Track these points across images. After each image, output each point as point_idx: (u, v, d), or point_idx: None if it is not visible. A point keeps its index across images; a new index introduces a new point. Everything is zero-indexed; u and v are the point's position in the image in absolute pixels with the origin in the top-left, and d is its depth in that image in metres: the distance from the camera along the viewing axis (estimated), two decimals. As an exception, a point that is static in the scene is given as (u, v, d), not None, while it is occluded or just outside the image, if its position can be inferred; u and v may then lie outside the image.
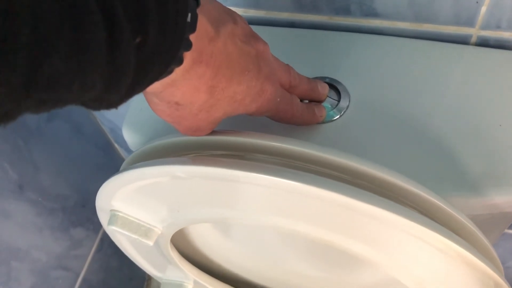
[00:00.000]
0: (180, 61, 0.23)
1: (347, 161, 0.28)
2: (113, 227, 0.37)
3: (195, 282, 0.50)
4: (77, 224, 0.69)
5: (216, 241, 0.48)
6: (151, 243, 0.37)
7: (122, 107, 0.66)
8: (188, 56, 0.23)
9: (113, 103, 0.21)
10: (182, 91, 0.25)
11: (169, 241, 0.40)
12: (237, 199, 0.30)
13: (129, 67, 0.19)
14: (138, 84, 0.21)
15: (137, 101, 0.42)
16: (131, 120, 0.41)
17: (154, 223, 0.37)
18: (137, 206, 0.36)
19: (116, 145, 0.76)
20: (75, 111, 0.66)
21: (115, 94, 0.20)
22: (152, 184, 0.32)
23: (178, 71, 0.23)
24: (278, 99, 0.31)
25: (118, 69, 0.18)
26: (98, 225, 0.74)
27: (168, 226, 0.37)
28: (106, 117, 0.70)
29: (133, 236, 0.37)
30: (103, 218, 0.40)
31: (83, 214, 0.70)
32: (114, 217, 0.37)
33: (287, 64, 0.33)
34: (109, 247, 0.78)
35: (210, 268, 0.51)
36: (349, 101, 0.38)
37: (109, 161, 0.75)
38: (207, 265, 0.51)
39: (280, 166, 0.27)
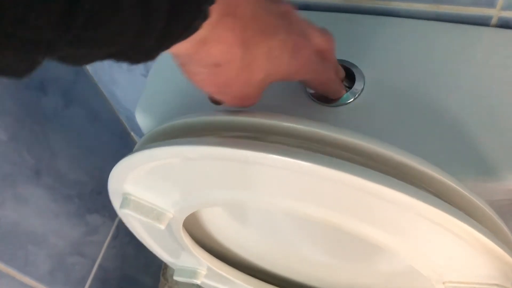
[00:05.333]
0: (205, 16, 0.22)
1: (363, 142, 0.27)
2: (125, 211, 0.37)
3: (209, 269, 0.50)
4: (93, 211, 0.70)
5: (230, 227, 0.48)
6: (162, 226, 0.37)
7: (136, 94, 0.65)
8: (214, 9, 0.23)
9: (147, 52, 0.21)
10: (216, 49, 0.24)
11: (181, 225, 0.40)
12: (249, 181, 0.30)
13: (162, 10, 0.19)
14: (169, 33, 0.21)
15: (150, 85, 0.42)
16: (144, 104, 0.41)
17: (166, 207, 0.37)
18: (149, 189, 0.36)
19: (132, 133, 0.77)
20: (92, 97, 0.66)
21: (148, 40, 0.20)
22: (164, 166, 0.32)
23: (206, 26, 0.23)
24: (316, 59, 0.30)
25: (152, 11, 0.19)
26: (114, 213, 0.75)
27: (180, 210, 0.37)
28: (122, 104, 0.70)
29: (145, 219, 0.37)
30: (115, 201, 0.40)
31: (99, 201, 0.71)
32: (126, 200, 0.37)
33: (324, 28, 0.32)
34: (125, 235, 0.79)
35: (223, 255, 0.51)
36: (364, 84, 0.37)
37: (125, 149, 0.75)
38: (221, 252, 0.51)
39: (294, 147, 0.27)
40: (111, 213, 0.74)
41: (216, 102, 0.30)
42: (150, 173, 0.34)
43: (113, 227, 0.75)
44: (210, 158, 0.28)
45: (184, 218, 0.38)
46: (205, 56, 0.24)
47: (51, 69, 0.58)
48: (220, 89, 0.27)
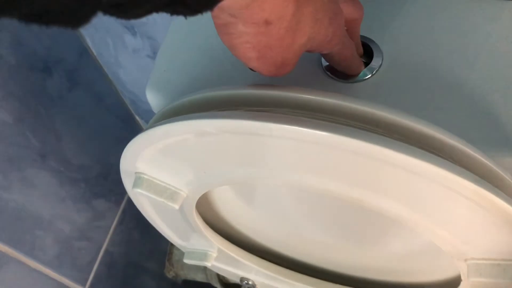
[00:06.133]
0: None
1: (385, 113, 0.26)
2: (138, 190, 0.36)
3: (219, 251, 0.50)
4: (99, 196, 0.69)
5: (241, 209, 0.47)
6: (176, 206, 0.36)
7: (141, 77, 0.64)
8: None
9: None
10: (270, 2, 0.23)
11: (194, 206, 0.39)
12: (267, 156, 0.29)
13: None
14: None
15: (160, 63, 0.41)
16: (154, 82, 0.40)
17: (179, 186, 0.36)
18: (163, 168, 0.35)
19: (137, 117, 0.76)
20: (96, 80, 0.65)
21: None
22: (178, 143, 0.31)
23: None
24: (344, 30, 0.30)
25: None
26: (120, 197, 0.74)
27: (194, 189, 0.36)
28: (127, 88, 0.69)
29: (159, 199, 0.36)
30: (127, 181, 0.39)
31: (105, 185, 0.70)
32: (139, 179, 0.36)
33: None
34: (131, 219, 0.78)
35: (234, 238, 0.51)
36: (382, 60, 0.36)
37: (130, 134, 0.74)
38: (232, 234, 0.50)
39: (318, 120, 0.26)
40: (117, 198, 0.74)
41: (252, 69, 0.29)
42: (164, 151, 0.33)
43: (119, 212, 0.75)
44: (229, 133, 0.28)
45: (197, 198, 0.38)
46: (258, 10, 0.23)
47: (56, 50, 0.57)
48: (260, 53, 0.26)
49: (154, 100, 0.40)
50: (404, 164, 0.24)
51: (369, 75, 0.36)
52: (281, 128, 0.25)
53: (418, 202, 0.28)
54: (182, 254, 0.86)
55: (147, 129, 0.31)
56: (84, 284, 0.68)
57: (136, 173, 0.36)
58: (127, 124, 0.74)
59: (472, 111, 0.33)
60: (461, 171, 0.25)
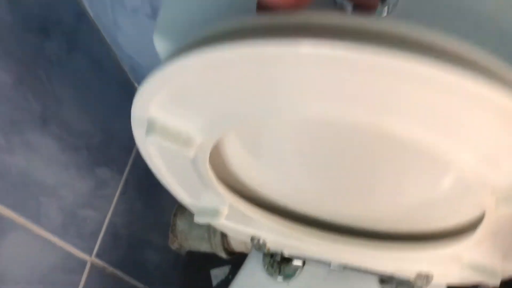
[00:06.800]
0: None
1: (413, 30, 0.25)
2: (152, 137, 0.35)
3: (230, 208, 0.49)
4: (101, 164, 0.68)
5: (250, 163, 0.46)
6: (191, 151, 0.36)
7: (140, 40, 0.62)
8: None
9: None
10: None
11: (207, 156, 0.38)
12: (288, 86, 0.28)
13: None
14: None
15: (167, 6, 0.39)
16: (162, 27, 0.38)
17: (193, 132, 0.35)
18: (176, 113, 0.34)
19: (136, 84, 0.74)
20: (95, 44, 0.63)
21: None
22: (193, 83, 0.30)
23: None
24: None
25: None
26: (123, 166, 0.73)
27: (209, 133, 0.35)
28: (125, 53, 0.67)
29: (173, 146, 0.36)
30: (138, 132, 0.38)
31: (107, 154, 0.69)
32: (152, 125, 0.35)
33: None
34: (133, 190, 0.77)
35: (245, 194, 0.50)
36: (398, -4, 0.35)
37: (130, 102, 0.73)
38: (242, 191, 0.50)
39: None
40: (119, 167, 0.73)
41: (265, 7, 0.28)
42: (178, 93, 0.32)
43: (122, 181, 0.73)
44: (251, 62, 0.26)
45: (211, 145, 0.37)
46: None
47: (53, 11, 0.55)
48: None
49: (162, 48, 0.39)
50: (433, 79, 0.24)
51: (386, 12, 0.35)
52: (310, 44, 0.24)
53: (442, 123, 0.27)
54: (185, 225, 0.86)
55: (160, 67, 0.30)
56: (90, 253, 0.67)
57: (148, 118, 0.35)
58: (126, 91, 0.72)
59: (497, 40, 0.32)
60: (492, 83, 0.24)
